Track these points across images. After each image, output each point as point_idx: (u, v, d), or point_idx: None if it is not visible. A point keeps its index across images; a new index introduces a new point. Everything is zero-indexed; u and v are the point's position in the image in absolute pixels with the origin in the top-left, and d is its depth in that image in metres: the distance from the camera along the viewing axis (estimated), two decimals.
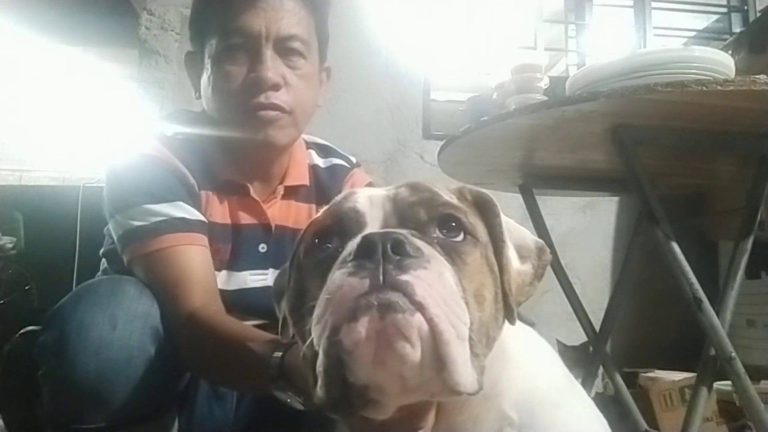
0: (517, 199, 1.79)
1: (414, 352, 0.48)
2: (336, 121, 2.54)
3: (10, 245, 3.61)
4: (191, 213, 1.00)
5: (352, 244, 0.53)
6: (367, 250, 0.50)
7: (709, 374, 1.29)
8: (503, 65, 1.63)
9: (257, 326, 0.94)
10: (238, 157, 1.09)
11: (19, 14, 3.79)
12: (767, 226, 1.78)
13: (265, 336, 0.83)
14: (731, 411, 1.91)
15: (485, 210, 0.64)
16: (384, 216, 0.59)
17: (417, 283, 0.49)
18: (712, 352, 1.25)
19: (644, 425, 1.68)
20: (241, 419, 1.13)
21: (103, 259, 1.16)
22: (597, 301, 2.39)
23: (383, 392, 0.51)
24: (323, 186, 1.21)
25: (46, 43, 4.41)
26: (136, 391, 0.86)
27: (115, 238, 1.02)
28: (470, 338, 0.51)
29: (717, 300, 1.28)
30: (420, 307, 0.48)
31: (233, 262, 1.09)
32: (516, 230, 0.66)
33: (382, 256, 0.50)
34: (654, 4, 3.12)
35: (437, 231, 0.57)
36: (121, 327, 0.87)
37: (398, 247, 0.50)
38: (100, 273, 1.16)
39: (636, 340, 2.68)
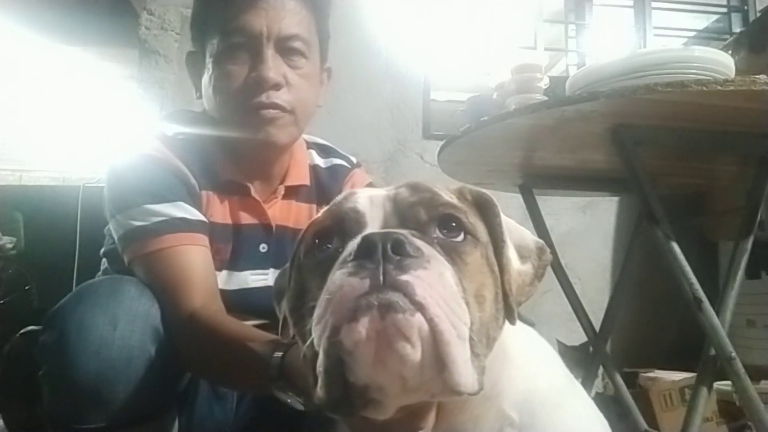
0: (517, 199, 1.79)
1: (414, 353, 0.48)
2: (336, 121, 2.54)
3: (10, 245, 3.61)
4: (192, 213, 1.00)
5: (353, 245, 0.53)
6: (368, 250, 0.50)
7: (709, 374, 1.29)
8: (503, 65, 1.63)
9: (257, 326, 0.94)
10: (239, 157, 1.09)
11: (19, 14, 3.78)
12: (767, 226, 1.79)
13: (265, 336, 0.83)
14: (731, 411, 1.91)
15: (485, 210, 0.64)
16: (384, 216, 0.59)
17: (417, 283, 0.49)
18: (712, 352, 1.25)
19: (644, 425, 1.68)
20: (241, 419, 1.13)
21: (104, 259, 1.16)
22: (597, 301, 2.39)
23: (384, 392, 0.51)
24: (324, 186, 1.21)
25: (46, 43, 4.40)
26: (136, 391, 0.86)
27: (115, 238, 1.02)
28: (471, 338, 0.51)
29: (717, 300, 1.28)
30: (420, 307, 0.48)
31: (234, 262, 1.09)
32: (516, 230, 0.66)
33: (383, 256, 0.50)
34: (654, 4, 3.12)
35: (437, 231, 0.57)
36: (122, 327, 0.87)
37: (398, 247, 0.50)
38: (100, 273, 1.16)
39: (636, 340, 2.68)
